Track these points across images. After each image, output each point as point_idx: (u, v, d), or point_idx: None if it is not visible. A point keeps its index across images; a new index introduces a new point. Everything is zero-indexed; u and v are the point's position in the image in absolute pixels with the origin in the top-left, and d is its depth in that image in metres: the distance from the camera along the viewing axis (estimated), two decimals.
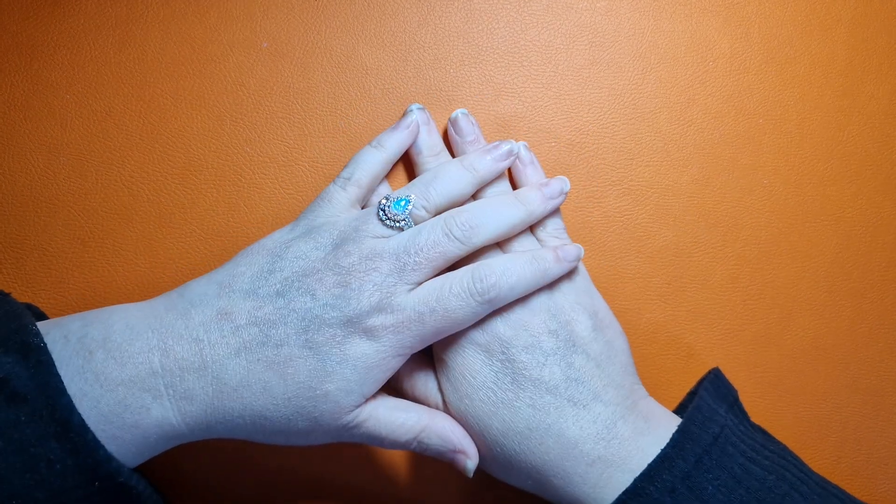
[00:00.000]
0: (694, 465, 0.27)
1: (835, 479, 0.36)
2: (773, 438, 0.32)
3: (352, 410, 0.27)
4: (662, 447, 0.28)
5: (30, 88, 0.37)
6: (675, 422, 0.30)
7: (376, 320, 0.27)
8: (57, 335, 0.26)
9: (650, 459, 0.27)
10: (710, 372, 0.35)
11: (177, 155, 0.37)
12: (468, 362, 0.30)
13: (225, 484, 0.34)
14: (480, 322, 0.30)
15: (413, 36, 0.38)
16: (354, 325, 0.27)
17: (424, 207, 0.30)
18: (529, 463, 0.28)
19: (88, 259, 0.35)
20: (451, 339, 0.30)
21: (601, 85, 0.39)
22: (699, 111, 0.39)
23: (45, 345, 0.25)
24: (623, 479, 0.27)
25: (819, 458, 0.36)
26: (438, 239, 0.29)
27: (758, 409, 0.36)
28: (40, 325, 0.26)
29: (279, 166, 0.37)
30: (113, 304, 0.35)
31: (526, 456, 0.28)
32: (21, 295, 0.35)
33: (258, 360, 0.26)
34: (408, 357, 0.29)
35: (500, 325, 0.30)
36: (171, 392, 0.25)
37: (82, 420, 0.24)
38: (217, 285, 0.28)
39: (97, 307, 0.35)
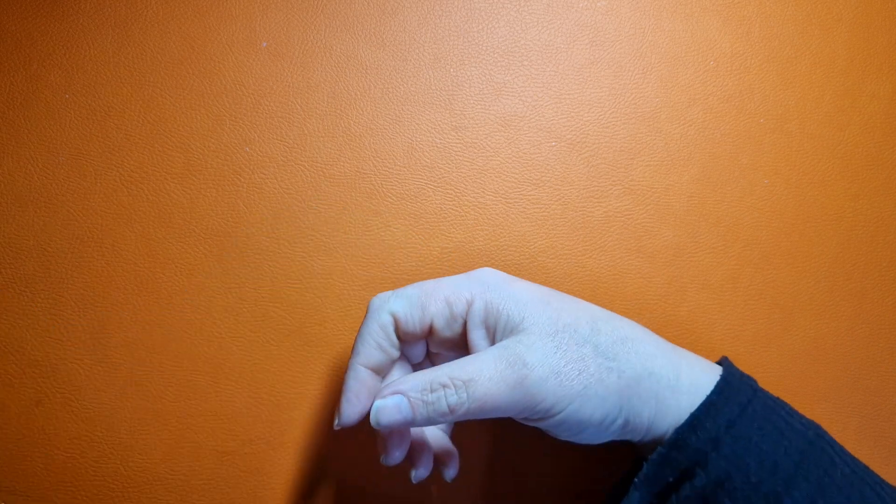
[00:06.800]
0: (739, 414, 0.26)
1: None
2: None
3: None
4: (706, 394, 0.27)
5: (29, 88, 0.37)
6: (709, 369, 0.29)
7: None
8: None
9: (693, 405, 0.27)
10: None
11: (176, 155, 0.36)
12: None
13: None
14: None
15: (413, 35, 0.38)
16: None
17: None
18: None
19: (88, 259, 0.35)
20: None
21: (602, 84, 0.39)
22: (700, 111, 0.39)
23: None
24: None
25: None
26: None
27: None
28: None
29: (279, 166, 0.37)
30: (111, 304, 0.35)
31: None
32: (20, 295, 0.35)
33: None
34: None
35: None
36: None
37: None
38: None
39: (96, 307, 0.35)
